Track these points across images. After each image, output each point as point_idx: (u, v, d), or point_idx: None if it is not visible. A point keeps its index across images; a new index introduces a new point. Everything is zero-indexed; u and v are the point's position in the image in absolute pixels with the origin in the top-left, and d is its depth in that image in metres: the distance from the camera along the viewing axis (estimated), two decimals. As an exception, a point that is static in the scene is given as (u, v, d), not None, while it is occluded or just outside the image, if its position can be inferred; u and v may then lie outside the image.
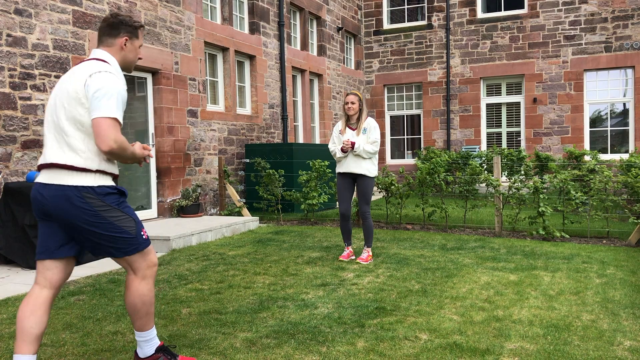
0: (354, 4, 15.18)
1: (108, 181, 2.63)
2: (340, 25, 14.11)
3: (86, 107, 2.52)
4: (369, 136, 5.60)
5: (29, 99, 6.21)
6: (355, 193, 5.85)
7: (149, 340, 2.79)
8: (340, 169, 5.72)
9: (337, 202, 5.86)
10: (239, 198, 9.12)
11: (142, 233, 2.71)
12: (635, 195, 7.21)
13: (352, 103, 5.62)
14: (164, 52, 8.16)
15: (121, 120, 2.56)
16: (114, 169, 2.67)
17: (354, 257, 5.83)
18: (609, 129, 13.50)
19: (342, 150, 5.56)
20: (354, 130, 5.66)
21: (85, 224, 2.55)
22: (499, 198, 7.59)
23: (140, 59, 2.89)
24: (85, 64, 2.64)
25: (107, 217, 2.58)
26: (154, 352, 2.80)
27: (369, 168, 5.62)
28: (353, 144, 5.49)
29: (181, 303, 4.18)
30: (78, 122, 2.53)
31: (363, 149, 5.52)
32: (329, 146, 5.81)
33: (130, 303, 2.72)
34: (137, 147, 2.67)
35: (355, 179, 5.73)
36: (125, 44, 2.74)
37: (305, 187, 8.66)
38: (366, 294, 4.39)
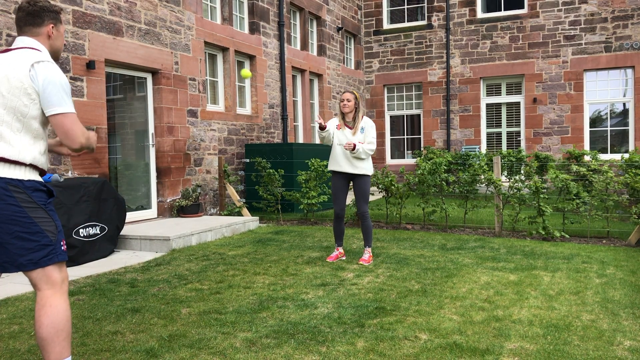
0: (354, 4, 15.18)
1: (37, 177, 2.47)
2: (340, 25, 14.11)
3: (32, 98, 2.39)
4: (367, 135, 5.60)
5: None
6: (353, 193, 5.84)
7: None
8: (333, 167, 5.68)
9: (333, 202, 5.84)
10: (238, 198, 9.12)
11: (62, 244, 2.48)
12: (635, 195, 7.21)
13: (348, 100, 5.60)
14: (164, 52, 8.16)
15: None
16: (45, 165, 2.53)
17: (344, 258, 5.84)
18: (608, 129, 13.50)
19: (345, 148, 5.51)
20: (350, 128, 5.66)
21: (3, 220, 2.34)
22: (499, 198, 7.59)
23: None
24: (19, 52, 2.46)
25: (31, 215, 2.38)
26: None
27: (365, 167, 5.62)
28: (354, 146, 5.50)
29: (181, 303, 4.18)
30: (19, 112, 2.39)
31: (363, 149, 5.53)
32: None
33: (51, 324, 2.39)
34: (92, 135, 2.58)
35: (350, 178, 5.73)
36: (52, 32, 2.58)
37: (305, 186, 8.67)
38: (366, 294, 4.39)
